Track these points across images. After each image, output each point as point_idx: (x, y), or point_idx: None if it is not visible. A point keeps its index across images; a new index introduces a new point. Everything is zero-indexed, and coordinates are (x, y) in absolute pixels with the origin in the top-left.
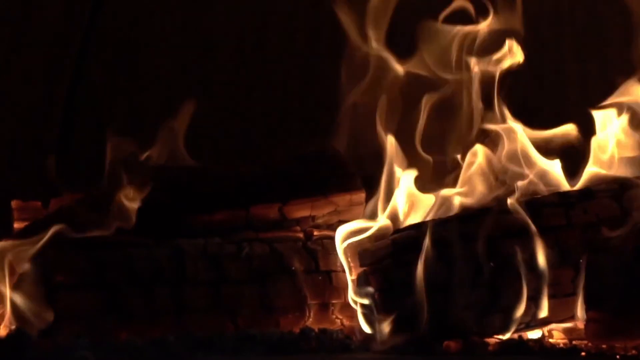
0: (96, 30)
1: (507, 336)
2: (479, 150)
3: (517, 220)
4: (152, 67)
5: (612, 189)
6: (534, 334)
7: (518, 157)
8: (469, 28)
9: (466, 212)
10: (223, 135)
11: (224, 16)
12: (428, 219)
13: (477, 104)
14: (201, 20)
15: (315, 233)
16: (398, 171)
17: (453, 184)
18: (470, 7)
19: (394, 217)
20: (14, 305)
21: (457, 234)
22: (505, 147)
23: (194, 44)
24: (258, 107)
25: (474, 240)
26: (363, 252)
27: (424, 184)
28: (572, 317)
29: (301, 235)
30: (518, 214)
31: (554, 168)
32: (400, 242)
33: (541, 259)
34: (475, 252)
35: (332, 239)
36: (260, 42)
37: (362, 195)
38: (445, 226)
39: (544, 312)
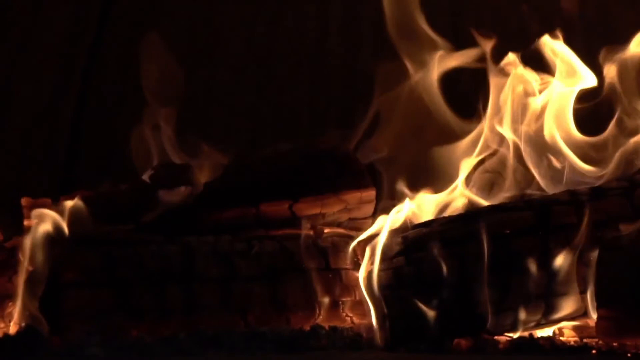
0: (106, 29)
1: (517, 334)
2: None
3: (528, 217)
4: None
5: (622, 187)
6: (544, 332)
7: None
8: None
9: (476, 210)
10: (232, 133)
11: (233, 14)
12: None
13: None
14: (210, 17)
15: (326, 231)
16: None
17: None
18: None
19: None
20: (24, 302)
21: (468, 231)
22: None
23: (202, 42)
24: (267, 104)
25: (484, 238)
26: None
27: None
28: (583, 315)
29: (311, 232)
30: None
31: None
32: (411, 240)
33: (552, 257)
34: (486, 250)
35: (342, 236)
36: (269, 39)
37: (372, 193)
38: (456, 224)
39: (555, 310)
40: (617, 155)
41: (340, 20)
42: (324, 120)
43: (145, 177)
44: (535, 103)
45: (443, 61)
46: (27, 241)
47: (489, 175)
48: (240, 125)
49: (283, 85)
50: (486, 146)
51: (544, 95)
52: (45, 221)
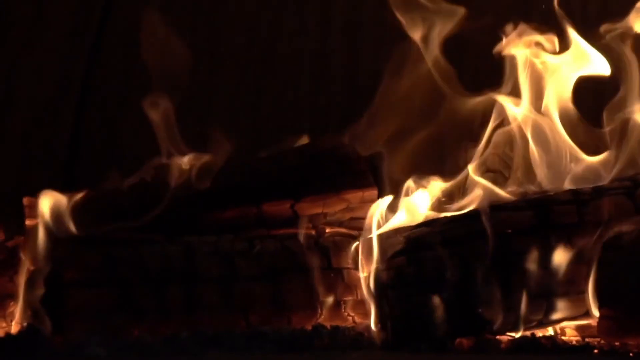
0: (106, 28)
1: (519, 334)
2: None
3: (529, 217)
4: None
5: (625, 186)
6: (546, 332)
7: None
8: None
9: (477, 210)
10: (234, 132)
11: (235, 12)
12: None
13: None
14: (212, 16)
15: (328, 230)
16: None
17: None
18: None
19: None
20: (26, 302)
21: (469, 231)
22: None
23: (204, 41)
24: (269, 104)
25: (486, 238)
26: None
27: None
28: (585, 315)
29: (313, 232)
30: None
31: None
32: (413, 239)
33: (554, 256)
34: (488, 250)
35: (344, 235)
36: (270, 38)
37: (374, 193)
38: (458, 223)
39: (557, 311)
40: (624, 148)
41: (342, 20)
42: (325, 119)
43: (147, 176)
44: (544, 82)
45: (450, 32)
46: (29, 240)
47: (491, 175)
48: (241, 124)
49: (284, 84)
50: (496, 119)
51: (552, 73)
52: (52, 203)
